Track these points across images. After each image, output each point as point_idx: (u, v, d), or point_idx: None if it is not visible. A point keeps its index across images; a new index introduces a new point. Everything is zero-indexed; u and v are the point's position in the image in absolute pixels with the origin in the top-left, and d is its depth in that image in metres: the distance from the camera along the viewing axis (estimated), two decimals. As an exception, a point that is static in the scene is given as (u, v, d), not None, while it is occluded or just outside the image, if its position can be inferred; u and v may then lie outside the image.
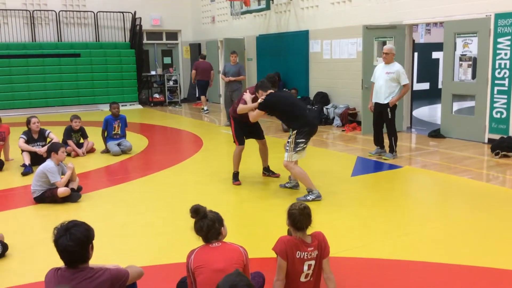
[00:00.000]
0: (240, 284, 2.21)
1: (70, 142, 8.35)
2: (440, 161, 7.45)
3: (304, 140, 5.54)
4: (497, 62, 8.33)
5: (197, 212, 3.00)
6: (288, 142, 5.61)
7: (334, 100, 11.86)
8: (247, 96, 6.07)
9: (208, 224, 2.96)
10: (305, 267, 3.04)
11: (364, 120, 9.88)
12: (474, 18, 8.60)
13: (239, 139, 6.45)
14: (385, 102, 7.46)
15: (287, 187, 6.17)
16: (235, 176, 6.49)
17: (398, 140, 7.80)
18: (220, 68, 15.63)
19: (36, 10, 15.78)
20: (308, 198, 5.52)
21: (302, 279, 3.06)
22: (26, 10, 15.65)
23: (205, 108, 14.41)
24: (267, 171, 6.78)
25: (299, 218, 3.03)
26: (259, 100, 5.70)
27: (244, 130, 6.43)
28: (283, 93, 6.16)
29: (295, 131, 5.55)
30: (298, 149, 5.54)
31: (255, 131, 6.57)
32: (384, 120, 7.64)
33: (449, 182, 6.36)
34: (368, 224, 4.87)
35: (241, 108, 6.07)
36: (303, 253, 3.02)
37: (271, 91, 5.74)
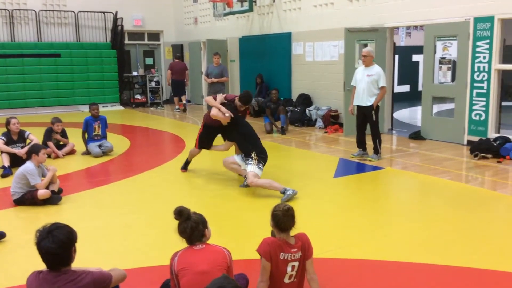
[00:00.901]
0: (228, 287, 2.23)
1: (50, 143, 8.23)
2: (421, 163, 7.55)
3: (263, 163, 6.12)
4: (476, 65, 8.49)
5: (181, 214, 2.99)
6: (251, 157, 6.08)
7: (316, 102, 11.94)
8: (221, 96, 6.56)
9: (191, 226, 2.95)
10: (289, 268, 3.05)
11: (346, 122, 9.96)
12: (453, 21, 8.75)
13: (200, 144, 6.81)
14: (368, 104, 7.54)
15: (247, 185, 6.23)
16: (186, 164, 7.08)
17: (380, 142, 7.89)
18: (202, 69, 15.61)
19: (16, 9, 15.53)
20: (289, 193, 5.62)
21: (286, 280, 3.07)
22: (5, 10, 15.40)
23: (177, 107, 15.24)
24: None
25: (282, 219, 3.05)
26: (227, 114, 6.25)
27: (211, 136, 6.77)
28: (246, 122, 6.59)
29: (255, 152, 6.09)
30: (260, 166, 6.05)
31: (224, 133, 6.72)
32: (367, 122, 7.72)
33: (429, 183, 6.45)
34: (351, 225, 4.91)
35: (208, 99, 6.57)
36: (287, 255, 3.04)
37: None
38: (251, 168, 5.97)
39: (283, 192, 5.65)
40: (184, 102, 15.21)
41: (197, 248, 2.94)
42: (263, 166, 6.09)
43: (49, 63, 15.35)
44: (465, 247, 4.26)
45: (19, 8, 15.62)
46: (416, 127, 10.32)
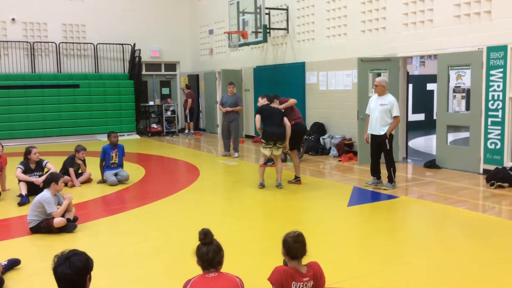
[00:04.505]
0: None
1: (71, 170, 8.37)
2: (436, 192, 7.48)
3: (265, 142, 7.79)
4: (490, 94, 8.47)
5: (206, 236, 3.02)
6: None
7: (330, 131, 11.97)
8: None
9: (214, 250, 2.98)
10: (301, 298, 3.04)
11: (361, 150, 9.96)
12: (466, 51, 8.79)
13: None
14: (381, 133, 7.55)
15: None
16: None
17: (394, 171, 7.86)
18: (217, 99, 15.83)
19: (37, 42, 16.03)
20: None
21: (298, 309, 3.05)
22: (27, 42, 15.91)
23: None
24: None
25: (293, 245, 3.05)
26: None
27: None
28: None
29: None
30: (263, 145, 7.82)
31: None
32: (381, 150, 7.72)
33: (445, 213, 6.38)
34: (364, 254, 4.87)
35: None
36: (299, 283, 3.03)
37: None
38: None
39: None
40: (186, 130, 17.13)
41: (210, 276, 2.95)
42: (265, 145, 7.76)
43: (68, 94, 15.72)
44: (482, 278, 4.19)
45: (40, 40, 16.12)
46: (432, 156, 10.25)
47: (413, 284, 4.04)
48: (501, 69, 8.27)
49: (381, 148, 7.68)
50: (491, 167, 8.31)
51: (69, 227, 5.71)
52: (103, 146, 8.78)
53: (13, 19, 15.76)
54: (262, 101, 8.24)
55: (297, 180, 8.27)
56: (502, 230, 5.61)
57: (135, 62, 17.08)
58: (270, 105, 8.08)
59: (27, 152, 7.65)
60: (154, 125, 17.50)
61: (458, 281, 4.10)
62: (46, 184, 5.88)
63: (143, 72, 17.96)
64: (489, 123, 8.56)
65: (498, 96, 8.36)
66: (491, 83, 8.45)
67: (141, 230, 5.86)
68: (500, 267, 4.42)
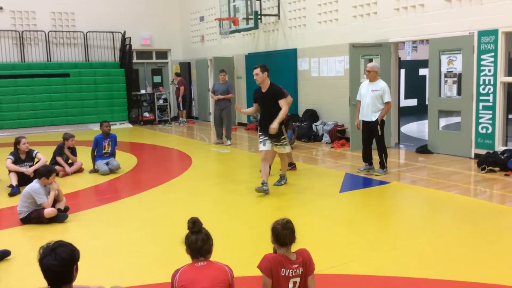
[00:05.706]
0: None
1: (58, 159, 8.33)
2: (428, 177, 7.51)
3: (262, 137, 6.82)
4: (481, 78, 8.47)
5: (195, 224, 3.01)
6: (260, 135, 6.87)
7: (322, 117, 11.95)
8: None
9: (203, 238, 2.97)
10: (290, 285, 3.04)
11: (353, 136, 9.96)
12: (458, 35, 8.76)
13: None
14: (373, 119, 7.54)
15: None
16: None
17: (387, 156, 7.87)
18: (209, 87, 15.75)
19: (26, 30, 15.83)
20: (264, 188, 6.62)
21: (288, 296, 3.06)
22: (15, 31, 15.70)
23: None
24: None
25: (282, 233, 3.05)
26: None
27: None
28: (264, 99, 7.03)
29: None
30: (259, 139, 6.86)
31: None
32: (373, 137, 7.71)
33: (437, 198, 6.40)
34: (355, 240, 4.88)
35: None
36: (288, 270, 3.03)
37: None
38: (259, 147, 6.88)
39: (262, 183, 6.67)
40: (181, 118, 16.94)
41: (199, 265, 2.94)
42: (262, 138, 6.78)
43: (58, 83, 15.58)
44: (473, 262, 4.21)
45: (29, 29, 15.92)
46: (424, 141, 10.27)
47: (404, 269, 4.05)
48: (492, 54, 8.26)
49: (373, 134, 7.67)
50: (483, 152, 8.34)
51: (60, 217, 5.68)
52: (95, 136, 8.73)
53: (0, 8, 15.53)
54: (264, 76, 6.70)
55: (292, 166, 8.22)
56: (493, 214, 5.64)
57: (125, 50, 16.91)
58: None
59: (17, 142, 7.58)
60: (146, 114, 17.41)
61: (448, 265, 4.12)
62: (38, 175, 5.83)
63: (134, 60, 17.81)
64: (480, 107, 8.56)
65: (489, 80, 8.36)
66: (482, 68, 8.44)
67: (131, 219, 5.84)
68: (489, 251, 4.45)
